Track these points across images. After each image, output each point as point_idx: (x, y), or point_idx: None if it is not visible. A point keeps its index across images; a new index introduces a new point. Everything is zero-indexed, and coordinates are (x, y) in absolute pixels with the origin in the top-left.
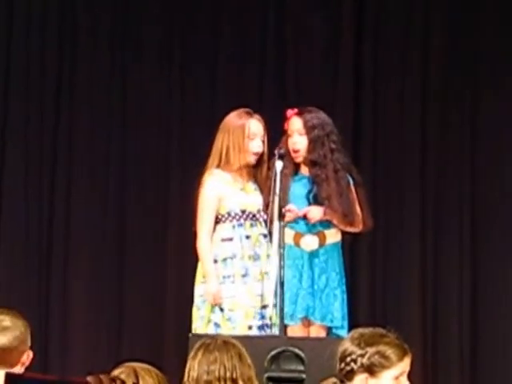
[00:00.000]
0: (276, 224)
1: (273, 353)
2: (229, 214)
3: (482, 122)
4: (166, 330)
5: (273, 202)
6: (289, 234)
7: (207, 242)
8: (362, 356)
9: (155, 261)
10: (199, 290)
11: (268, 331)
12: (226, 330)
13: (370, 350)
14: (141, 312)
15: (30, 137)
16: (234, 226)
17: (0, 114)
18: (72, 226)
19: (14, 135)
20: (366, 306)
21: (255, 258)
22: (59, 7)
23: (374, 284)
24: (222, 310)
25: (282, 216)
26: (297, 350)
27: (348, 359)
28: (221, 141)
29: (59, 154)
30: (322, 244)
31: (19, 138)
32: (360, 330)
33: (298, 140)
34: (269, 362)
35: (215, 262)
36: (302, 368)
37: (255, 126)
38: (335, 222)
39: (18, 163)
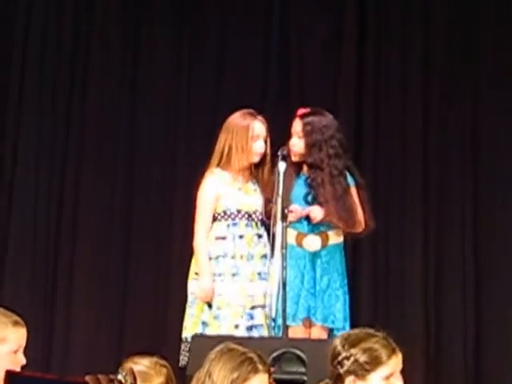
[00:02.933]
0: (279, 225)
1: (274, 354)
2: (225, 213)
3: (484, 121)
4: (168, 331)
5: (275, 202)
6: (291, 234)
7: (204, 240)
8: (347, 358)
9: (159, 261)
10: (191, 287)
11: (256, 332)
12: (213, 329)
13: (354, 352)
14: (143, 313)
15: (43, 138)
16: (228, 225)
17: (14, 116)
18: (78, 227)
19: (26, 135)
20: (368, 307)
21: (248, 257)
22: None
23: (377, 285)
24: (210, 307)
25: (284, 217)
26: (298, 352)
27: (335, 362)
28: (223, 141)
29: (69, 154)
30: (324, 244)
31: (32, 139)
32: (346, 333)
33: (295, 142)
34: (270, 364)
35: (209, 259)
36: (303, 370)
37: (259, 128)
38: (334, 223)
39: (28, 173)
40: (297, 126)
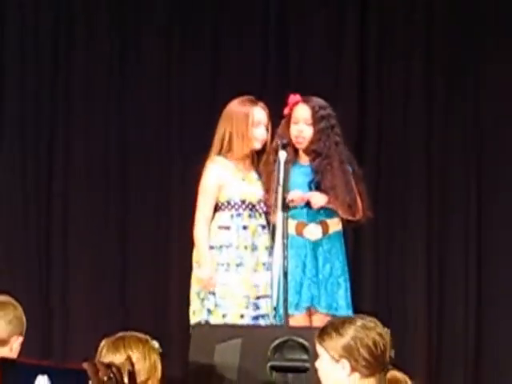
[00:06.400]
0: (279, 214)
1: (276, 342)
2: (228, 203)
3: (487, 119)
4: (169, 321)
5: (276, 192)
6: (291, 223)
7: (204, 228)
8: None
9: (158, 253)
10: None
11: (263, 322)
12: (216, 317)
13: None
14: (144, 303)
15: (27, 135)
16: (232, 216)
17: None
18: (73, 218)
19: (12, 131)
20: (370, 294)
21: (252, 248)
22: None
23: (378, 272)
24: (214, 294)
25: (285, 206)
26: (301, 340)
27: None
28: (223, 128)
29: (56, 153)
30: (325, 233)
31: (16, 133)
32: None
33: (304, 129)
34: (272, 352)
35: (211, 248)
36: (306, 357)
37: (260, 114)
38: (338, 210)
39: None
40: (304, 112)
